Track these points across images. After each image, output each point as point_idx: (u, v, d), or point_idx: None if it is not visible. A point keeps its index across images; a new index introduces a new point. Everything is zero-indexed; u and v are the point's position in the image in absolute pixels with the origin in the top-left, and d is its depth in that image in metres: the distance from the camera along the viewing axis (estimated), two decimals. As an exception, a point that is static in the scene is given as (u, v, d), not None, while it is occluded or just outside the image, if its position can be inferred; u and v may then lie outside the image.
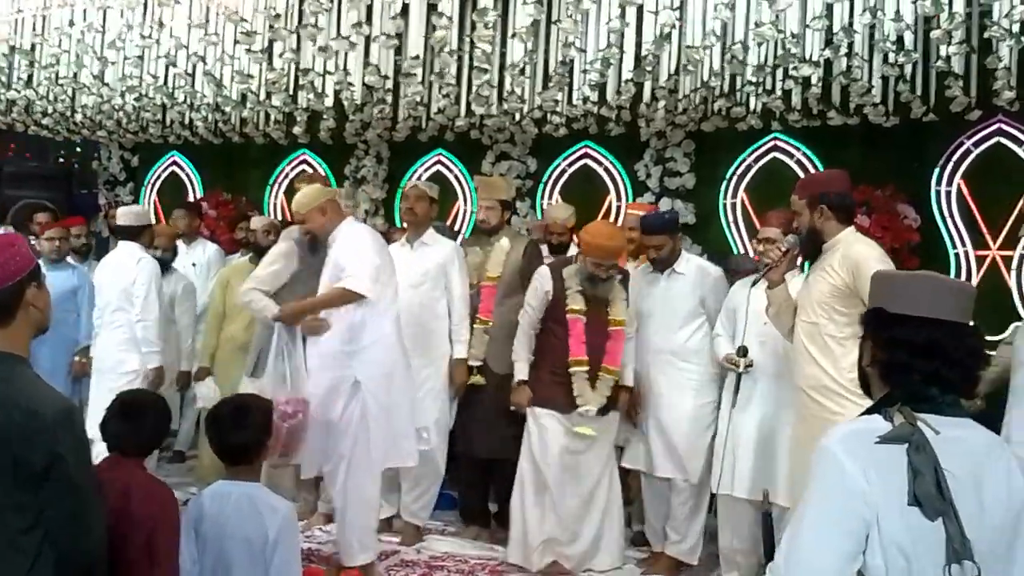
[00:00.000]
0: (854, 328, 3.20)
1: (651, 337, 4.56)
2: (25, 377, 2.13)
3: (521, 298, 4.89)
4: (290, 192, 5.80)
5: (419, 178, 6.82)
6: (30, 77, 5.87)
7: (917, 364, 1.87)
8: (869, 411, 1.91)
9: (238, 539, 2.67)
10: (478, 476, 5.08)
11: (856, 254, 3.37)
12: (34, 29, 5.49)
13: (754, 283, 3.88)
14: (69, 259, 5.91)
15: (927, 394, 1.86)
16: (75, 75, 5.60)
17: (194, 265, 6.16)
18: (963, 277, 5.52)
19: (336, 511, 4.13)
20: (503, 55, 4.70)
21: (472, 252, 5.04)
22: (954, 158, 5.58)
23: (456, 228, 6.86)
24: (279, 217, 7.22)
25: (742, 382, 4.11)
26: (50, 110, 6.24)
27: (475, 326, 4.90)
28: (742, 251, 6.12)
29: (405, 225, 5.20)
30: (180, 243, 6.47)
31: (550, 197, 6.62)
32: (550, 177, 6.64)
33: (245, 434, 2.81)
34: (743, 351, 4.06)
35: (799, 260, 3.91)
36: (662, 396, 4.52)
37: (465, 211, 6.86)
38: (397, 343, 4.21)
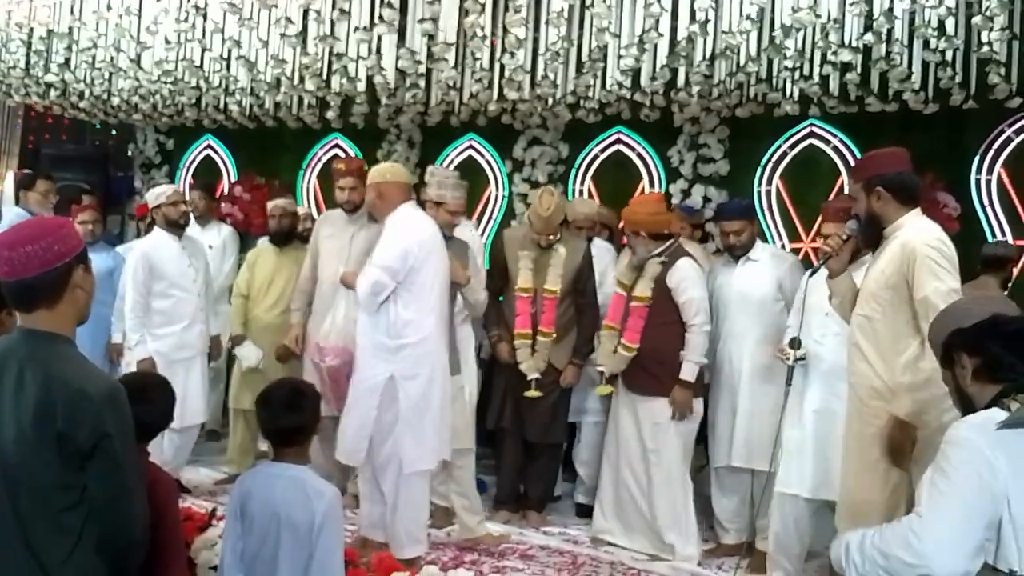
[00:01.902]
0: (910, 325, 3.10)
1: (731, 325, 4.56)
2: (72, 357, 2.15)
3: (572, 300, 4.92)
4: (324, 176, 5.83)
5: (450, 164, 6.82)
6: (67, 60, 5.92)
7: (1016, 351, 1.98)
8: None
9: (284, 521, 2.68)
10: (520, 460, 5.09)
11: (912, 239, 3.13)
12: (72, 13, 5.54)
13: (812, 273, 3.83)
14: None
15: None
16: (112, 59, 5.65)
17: (210, 247, 6.18)
18: (1002, 267, 5.43)
19: (388, 505, 4.15)
20: (536, 40, 4.67)
21: (524, 257, 4.95)
22: (995, 146, 5.48)
23: (487, 213, 6.85)
24: (311, 200, 7.28)
25: (795, 375, 4.02)
26: (87, 93, 6.31)
27: (539, 339, 4.87)
28: (776, 239, 6.06)
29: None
30: (195, 224, 6.53)
31: (582, 183, 6.59)
32: (582, 163, 6.61)
33: (298, 417, 2.81)
34: (796, 343, 3.98)
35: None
36: (743, 384, 4.50)
37: (496, 196, 6.84)
38: (440, 343, 4.18)
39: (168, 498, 2.64)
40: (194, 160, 8.04)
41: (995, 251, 5.06)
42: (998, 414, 1.92)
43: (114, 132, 8.35)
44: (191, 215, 5.63)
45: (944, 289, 3.03)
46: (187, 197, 6.15)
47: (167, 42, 5.29)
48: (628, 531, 4.63)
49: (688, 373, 4.45)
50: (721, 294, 4.65)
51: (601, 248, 5.44)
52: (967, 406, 2.09)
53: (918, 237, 3.13)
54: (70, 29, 5.65)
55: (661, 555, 4.48)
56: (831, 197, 5.73)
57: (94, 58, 5.70)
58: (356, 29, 4.66)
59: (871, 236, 3.32)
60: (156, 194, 5.31)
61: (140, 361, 4.93)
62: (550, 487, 5.24)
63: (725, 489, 4.66)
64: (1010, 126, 5.42)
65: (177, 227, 5.23)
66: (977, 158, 5.51)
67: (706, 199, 6.14)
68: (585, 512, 5.21)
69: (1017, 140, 5.43)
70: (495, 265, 5.14)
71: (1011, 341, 2.00)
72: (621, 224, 5.04)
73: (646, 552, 4.53)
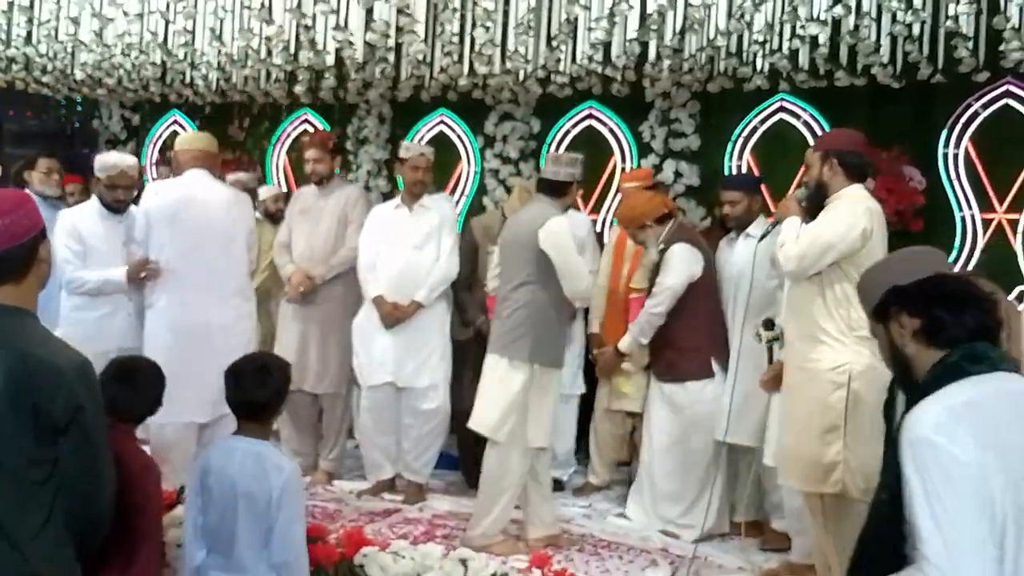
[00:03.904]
0: (834, 282, 3.35)
1: (736, 303, 4.49)
2: (40, 332, 2.15)
3: None
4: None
5: (421, 139, 6.77)
6: (29, 34, 5.80)
7: (959, 315, 1.87)
8: (934, 382, 1.84)
9: (242, 496, 2.69)
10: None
11: (842, 205, 3.37)
12: (32, -15, 5.44)
13: (761, 238, 3.95)
14: None
15: (983, 352, 1.83)
16: (74, 32, 5.54)
17: None
18: (969, 240, 5.50)
19: None
20: (506, 13, 4.64)
21: (493, 252, 4.93)
22: (962, 120, 5.52)
23: (459, 189, 6.82)
24: (280, 176, 7.20)
25: (775, 355, 4.00)
26: (50, 68, 6.19)
27: None
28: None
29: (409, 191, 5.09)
30: None
31: (554, 158, 6.56)
32: (554, 139, 6.59)
33: (265, 392, 2.81)
34: (768, 324, 3.97)
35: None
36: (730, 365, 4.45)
37: (468, 171, 6.81)
38: (183, 306, 4.30)
39: (154, 485, 2.65)
40: (161, 136, 7.93)
41: None
42: (966, 392, 1.76)
43: (79, 107, 8.21)
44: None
45: (802, 247, 3.34)
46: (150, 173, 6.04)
47: (125, 15, 5.19)
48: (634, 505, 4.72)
49: (623, 344, 4.63)
50: (723, 273, 4.60)
51: (578, 219, 5.39)
52: (901, 366, 1.99)
53: (846, 208, 3.35)
54: (31, 2, 5.54)
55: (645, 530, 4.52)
56: (801, 173, 5.75)
57: (56, 31, 5.59)
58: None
59: (815, 203, 3.50)
60: (101, 164, 4.63)
61: None
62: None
63: None
64: (977, 100, 5.46)
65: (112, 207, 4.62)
66: (945, 132, 5.55)
67: (677, 174, 6.15)
68: (555, 486, 5.24)
69: (984, 114, 5.48)
70: (464, 252, 5.09)
71: (955, 303, 1.87)
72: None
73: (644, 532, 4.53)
